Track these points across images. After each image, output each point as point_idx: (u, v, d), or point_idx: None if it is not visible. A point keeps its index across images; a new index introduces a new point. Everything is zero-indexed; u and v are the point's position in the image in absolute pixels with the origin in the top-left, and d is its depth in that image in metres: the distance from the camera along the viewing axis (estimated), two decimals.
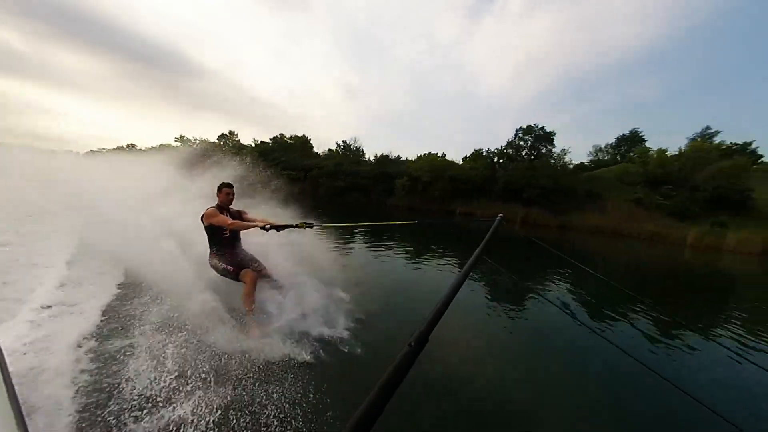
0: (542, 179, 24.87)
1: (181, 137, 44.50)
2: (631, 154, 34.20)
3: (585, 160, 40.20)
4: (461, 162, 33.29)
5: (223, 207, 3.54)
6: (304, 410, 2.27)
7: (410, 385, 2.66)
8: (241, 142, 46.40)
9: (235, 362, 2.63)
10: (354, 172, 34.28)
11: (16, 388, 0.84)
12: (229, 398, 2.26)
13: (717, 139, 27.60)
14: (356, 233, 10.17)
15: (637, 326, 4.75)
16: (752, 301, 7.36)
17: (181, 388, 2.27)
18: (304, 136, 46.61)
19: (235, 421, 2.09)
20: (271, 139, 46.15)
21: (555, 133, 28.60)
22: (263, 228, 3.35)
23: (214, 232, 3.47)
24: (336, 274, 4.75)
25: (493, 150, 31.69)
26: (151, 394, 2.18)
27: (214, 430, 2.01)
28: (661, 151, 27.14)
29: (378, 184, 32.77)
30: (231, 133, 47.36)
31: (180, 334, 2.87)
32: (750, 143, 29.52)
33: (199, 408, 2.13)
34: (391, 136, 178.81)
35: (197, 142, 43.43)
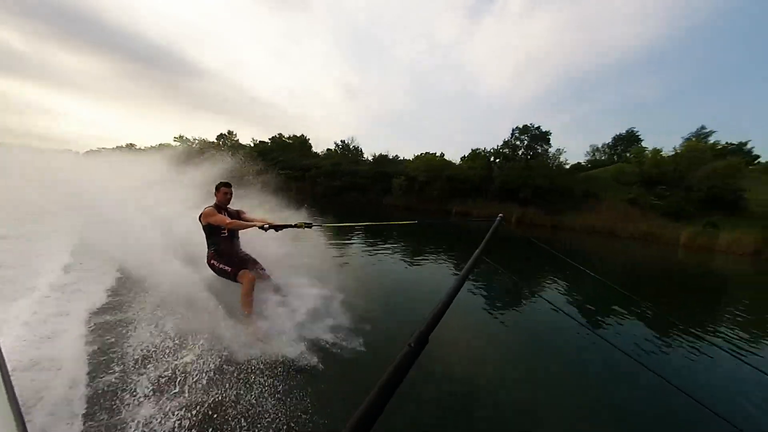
0: (538, 179, 24.95)
1: (181, 137, 44.40)
2: (627, 154, 34.43)
3: (582, 160, 40.55)
4: (462, 161, 33.38)
5: (221, 206, 3.51)
6: (304, 410, 2.26)
7: (410, 385, 2.65)
8: (240, 141, 46.43)
9: (234, 364, 2.61)
10: (352, 172, 34.29)
11: (15, 388, 0.84)
12: (228, 399, 2.24)
13: (712, 139, 27.86)
14: (356, 233, 10.16)
15: (637, 326, 4.77)
16: (747, 301, 7.43)
17: (170, 390, 2.26)
18: (302, 135, 46.66)
19: (234, 423, 2.07)
20: (270, 139, 46.17)
21: (551, 133, 28.65)
22: (262, 228, 3.33)
23: (212, 231, 3.44)
24: (335, 274, 4.75)
25: (489, 150, 31.81)
26: (152, 413, 2.12)
27: (214, 430, 2.00)
28: (656, 151, 27.25)
29: (376, 184, 32.81)
30: (230, 133, 47.36)
31: (180, 336, 2.85)
32: (745, 143, 29.91)
33: (196, 411, 2.11)
34: (391, 136, 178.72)
35: (196, 141, 43.38)
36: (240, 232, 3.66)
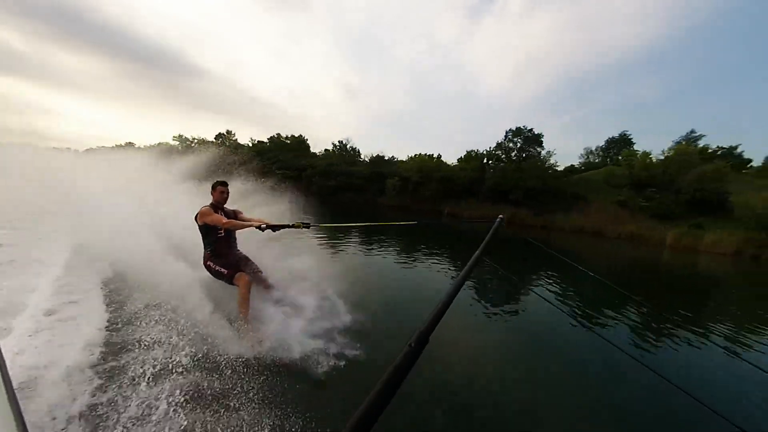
0: (529, 181, 25.29)
1: (180, 136, 44.15)
2: (618, 157, 35.02)
3: (576, 162, 41.11)
4: (458, 162, 33.65)
5: (217, 206, 3.44)
6: (303, 411, 2.24)
7: (410, 385, 2.64)
8: (239, 141, 46.38)
9: (232, 367, 2.58)
10: (347, 172, 34.39)
11: (15, 388, 0.83)
12: (226, 402, 2.22)
13: (701, 143, 28.65)
14: (354, 233, 10.13)
15: (636, 326, 4.82)
16: (738, 300, 7.60)
17: (167, 391, 2.23)
18: (300, 136, 46.82)
19: (234, 424, 2.05)
20: (268, 139, 46.12)
21: (543, 135, 29.08)
22: (259, 228, 3.28)
23: (208, 231, 3.38)
24: (334, 275, 4.70)
25: (482, 151, 32.09)
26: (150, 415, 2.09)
27: None
28: (645, 155, 27.86)
29: (372, 184, 32.96)
30: (228, 132, 47.27)
31: (176, 339, 2.80)
32: (736, 147, 30.75)
33: (195, 413, 2.08)
34: (391, 136, 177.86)
35: (195, 141, 43.17)
36: (237, 232, 3.60)
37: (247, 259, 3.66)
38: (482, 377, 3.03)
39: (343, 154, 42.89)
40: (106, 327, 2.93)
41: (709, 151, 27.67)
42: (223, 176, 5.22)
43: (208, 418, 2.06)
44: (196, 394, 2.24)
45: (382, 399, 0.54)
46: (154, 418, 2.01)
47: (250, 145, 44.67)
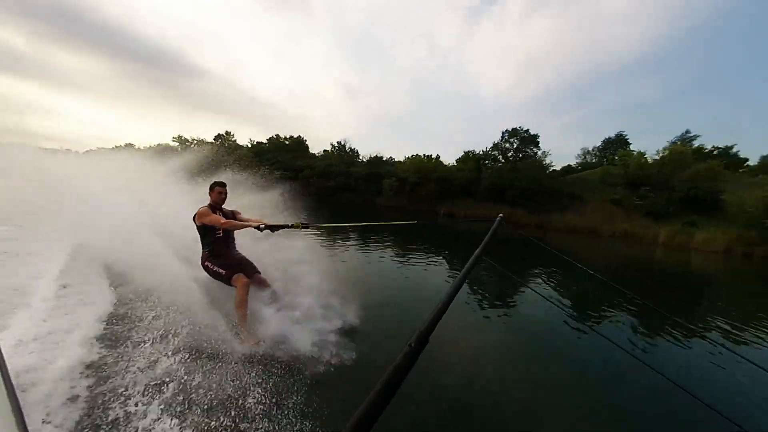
0: (525, 181, 25.41)
1: (179, 137, 43.96)
2: (614, 157, 35.30)
3: (573, 162, 41.37)
4: (456, 163, 33.72)
5: (215, 206, 3.42)
6: (303, 411, 2.24)
7: (410, 385, 2.63)
8: (238, 142, 46.27)
9: (230, 368, 2.56)
10: (345, 173, 34.39)
11: (15, 388, 0.84)
12: (225, 403, 2.20)
13: (696, 143, 28.95)
14: (353, 233, 10.09)
15: (636, 325, 4.81)
16: (732, 298, 7.65)
17: (165, 393, 2.23)
18: (299, 136, 46.78)
19: (234, 425, 2.04)
20: (267, 140, 46.02)
21: (539, 136, 29.25)
22: (257, 228, 3.25)
23: (206, 232, 3.35)
24: (333, 275, 4.67)
25: (479, 152, 32.20)
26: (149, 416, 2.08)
27: None
28: (640, 155, 28.14)
29: (370, 185, 32.98)
30: (227, 133, 47.20)
31: (174, 340, 2.79)
32: (731, 147, 31.07)
33: (194, 414, 2.08)
34: (391, 136, 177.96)
35: (194, 141, 43.02)
36: (235, 232, 3.57)
37: (245, 259, 3.63)
38: (482, 377, 3.03)
39: (342, 154, 42.88)
40: (105, 327, 2.92)
41: (705, 151, 27.94)
42: (215, 171, 5.19)
43: (207, 420, 2.05)
44: (194, 396, 2.23)
45: (382, 399, 0.54)
46: (151, 417, 2.01)
47: (249, 146, 44.52)
